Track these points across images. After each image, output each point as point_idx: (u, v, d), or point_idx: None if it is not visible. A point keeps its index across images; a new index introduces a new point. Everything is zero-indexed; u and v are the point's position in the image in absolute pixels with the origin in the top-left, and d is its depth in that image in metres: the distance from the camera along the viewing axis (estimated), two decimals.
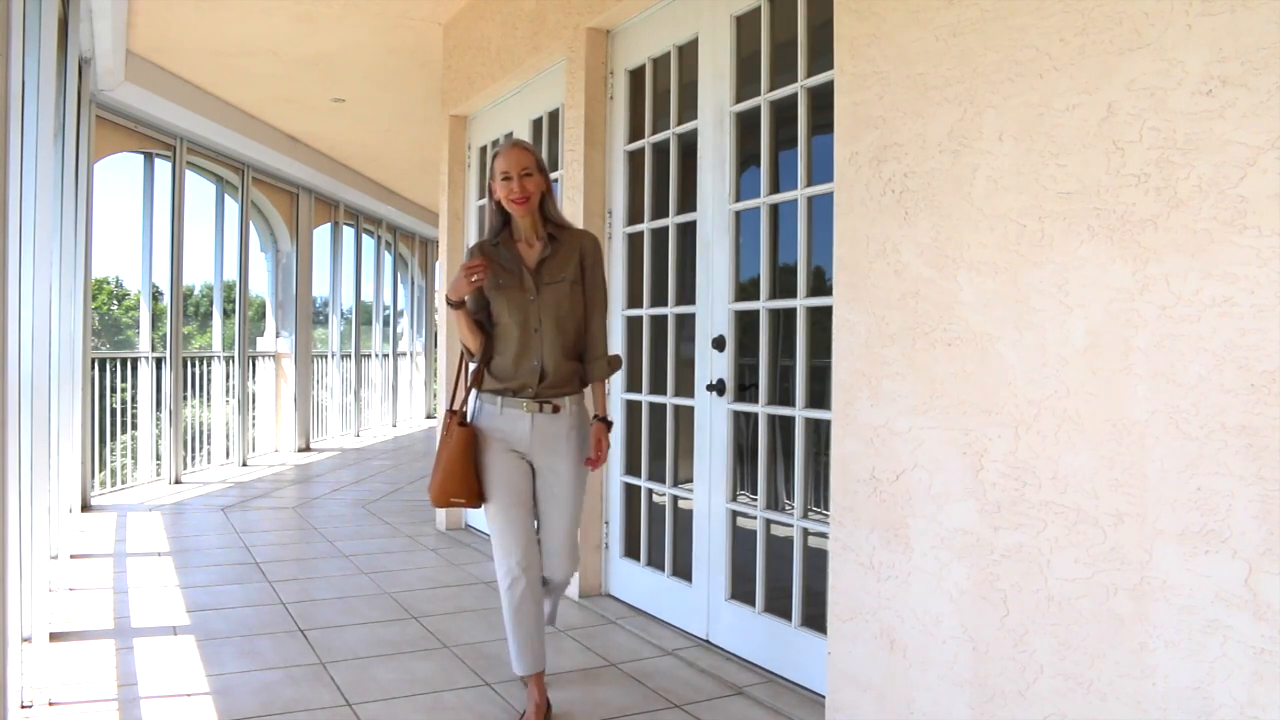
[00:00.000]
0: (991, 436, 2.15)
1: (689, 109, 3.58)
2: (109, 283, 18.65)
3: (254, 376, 9.17)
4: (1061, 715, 2.00)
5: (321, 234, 10.36)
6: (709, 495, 3.43)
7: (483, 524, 5.22)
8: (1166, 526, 1.81)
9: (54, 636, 3.38)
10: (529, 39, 4.54)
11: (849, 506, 2.53)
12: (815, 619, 2.96)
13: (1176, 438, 1.79)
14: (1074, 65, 1.98)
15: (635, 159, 3.96)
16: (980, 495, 2.17)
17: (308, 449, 9.65)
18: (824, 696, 2.70)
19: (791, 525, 3.07)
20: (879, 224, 2.45)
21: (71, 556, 4.68)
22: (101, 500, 6.44)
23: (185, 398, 7.63)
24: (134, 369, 7.22)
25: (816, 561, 2.96)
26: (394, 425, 12.40)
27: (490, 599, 3.99)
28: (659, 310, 3.78)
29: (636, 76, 3.95)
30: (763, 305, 3.18)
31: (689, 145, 3.57)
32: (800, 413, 3.00)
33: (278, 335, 9.61)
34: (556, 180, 4.31)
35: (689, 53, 3.59)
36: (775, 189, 3.17)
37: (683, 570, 3.62)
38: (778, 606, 3.15)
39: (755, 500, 3.26)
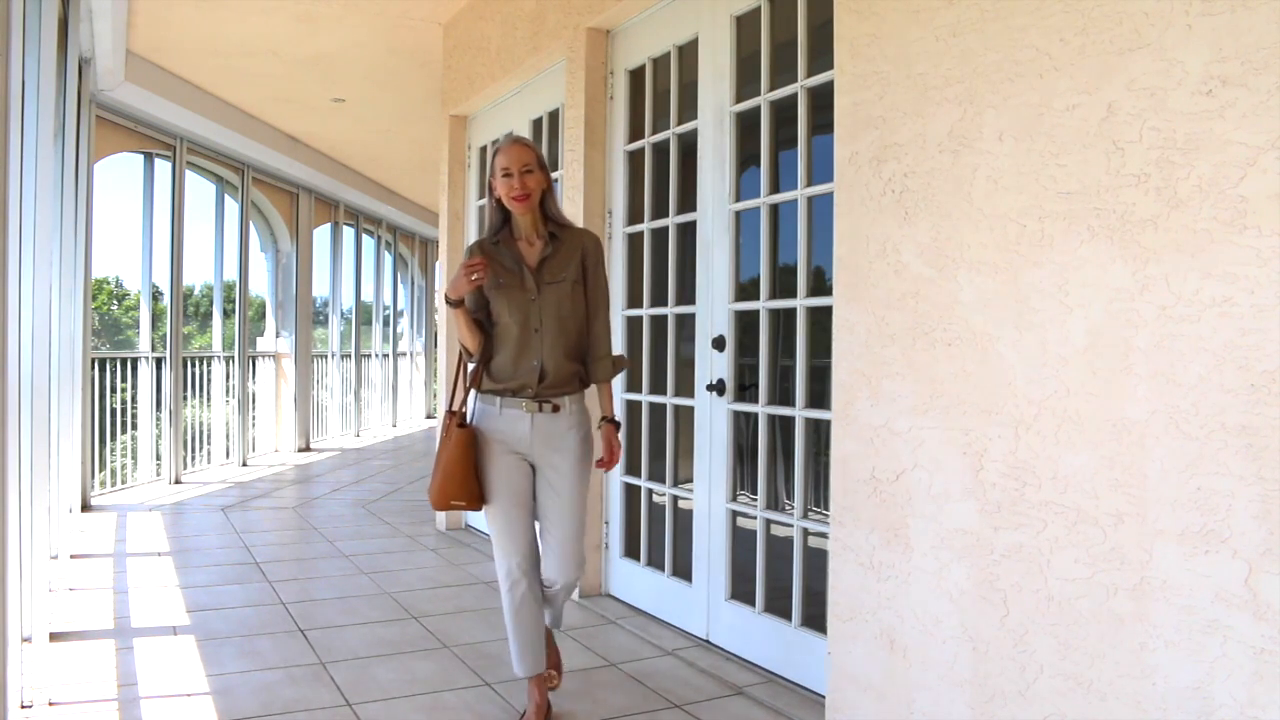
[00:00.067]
0: (991, 436, 2.15)
1: (689, 109, 3.58)
2: (109, 283, 18.65)
3: (254, 376, 9.17)
4: (1061, 715, 1.99)
5: (321, 234, 10.36)
6: (709, 495, 3.43)
7: (483, 524, 5.22)
8: (1166, 526, 1.81)
9: (54, 636, 3.38)
10: (529, 39, 4.54)
11: (849, 506, 2.53)
12: (815, 619, 2.96)
13: (1176, 438, 1.79)
14: (1074, 65, 1.98)
15: (635, 159, 3.96)
16: (980, 495, 2.17)
17: (308, 449, 9.65)
18: (824, 696, 2.70)
19: (791, 525, 3.07)
20: (879, 224, 2.45)
21: (71, 556, 4.69)
22: (101, 500, 6.44)
23: (185, 398, 7.63)
24: (134, 369, 7.22)
25: (816, 561, 2.96)
26: (394, 425, 12.40)
27: (490, 599, 3.99)
28: (659, 310, 3.78)
29: (636, 76, 3.95)
30: (763, 305, 3.18)
31: (689, 145, 3.57)
32: (800, 413, 3.00)
33: (278, 335, 9.61)
34: (557, 180, 4.31)
35: (689, 53, 3.58)
36: (775, 189, 3.17)
37: (683, 570, 3.62)
38: (778, 606, 3.15)
39: (755, 500, 3.26)
